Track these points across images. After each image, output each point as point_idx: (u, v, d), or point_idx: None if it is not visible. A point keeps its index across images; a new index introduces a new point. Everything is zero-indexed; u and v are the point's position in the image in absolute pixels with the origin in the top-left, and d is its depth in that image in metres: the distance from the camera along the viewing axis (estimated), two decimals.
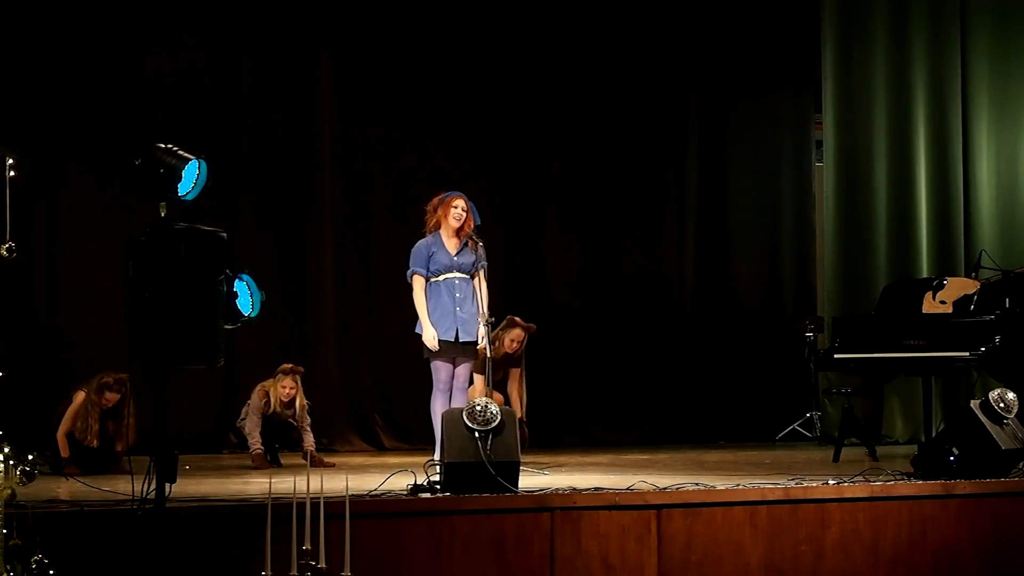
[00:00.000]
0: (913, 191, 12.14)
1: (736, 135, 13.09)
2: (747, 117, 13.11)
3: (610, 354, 12.44)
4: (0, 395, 5.85)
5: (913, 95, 12.19)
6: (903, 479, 7.42)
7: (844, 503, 7.02)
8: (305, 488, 5.44)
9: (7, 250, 6.01)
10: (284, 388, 9.57)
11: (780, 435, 12.21)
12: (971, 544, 7.18)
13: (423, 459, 7.61)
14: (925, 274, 11.65)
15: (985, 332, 8.52)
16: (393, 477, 7.11)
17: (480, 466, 6.66)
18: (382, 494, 6.64)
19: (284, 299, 11.18)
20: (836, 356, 9.23)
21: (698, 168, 12.98)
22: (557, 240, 12.46)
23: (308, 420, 9.69)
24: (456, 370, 8.35)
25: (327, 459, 9.89)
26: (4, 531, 5.19)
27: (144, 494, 5.60)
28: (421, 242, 8.42)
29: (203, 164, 5.74)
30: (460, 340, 8.28)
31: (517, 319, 9.53)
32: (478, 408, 6.82)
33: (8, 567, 5.20)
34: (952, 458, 7.50)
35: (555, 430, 11.72)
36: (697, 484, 7.11)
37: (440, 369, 8.30)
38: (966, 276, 10.22)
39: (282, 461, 9.67)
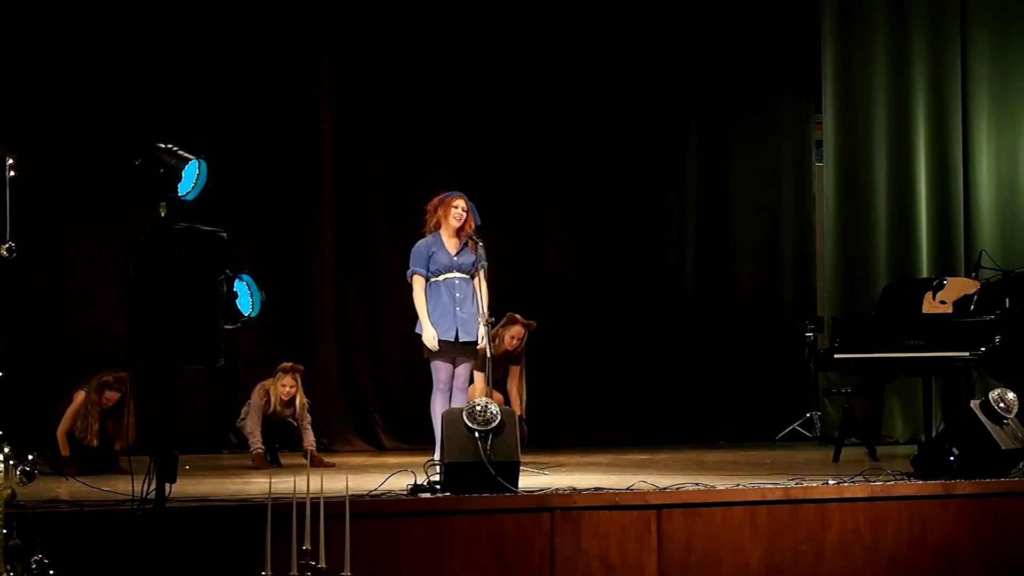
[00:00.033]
0: (913, 191, 12.14)
1: (736, 135, 13.09)
2: (747, 117, 13.11)
3: (610, 354, 12.44)
4: (0, 395, 5.85)
5: (913, 95, 12.19)
6: (903, 479, 7.42)
7: (844, 503, 7.02)
8: (305, 488, 5.44)
9: (7, 250, 6.01)
10: (284, 387, 9.57)
11: (780, 435, 12.20)
12: (971, 544, 7.18)
13: (423, 459, 7.60)
14: (925, 274, 11.64)
15: (985, 332, 8.52)
16: (393, 477, 7.11)
17: (480, 466, 6.66)
18: (382, 494, 6.64)
19: (284, 299, 11.18)
20: (836, 356, 9.23)
21: (698, 168, 12.97)
22: (557, 240, 12.46)
23: (308, 419, 9.69)
24: (456, 370, 8.35)
25: (327, 459, 9.89)
26: (4, 531, 5.19)
27: (144, 494, 5.60)
28: (421, 242, 8.42)
29: (203, 164, 5.74)
30: (460, 340, 8.28)
31: (517, 316, 9.53)
32: (478, 408, 6.82)
33: (8, 567, 5.20)
34: (952, 458, 7.49)
35: (555, 430, 11.72)
36: (697, 484, 7.11)
37: (440, 369, 8.30)
38: (966, 276, 10.21)
39: (282, 461, 9.67)
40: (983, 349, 8.46)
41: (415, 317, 8.33)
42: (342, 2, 11.83)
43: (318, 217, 11.69)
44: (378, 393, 11.77)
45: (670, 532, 6.69)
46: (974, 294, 8.87)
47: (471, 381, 8.63)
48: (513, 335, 9.45)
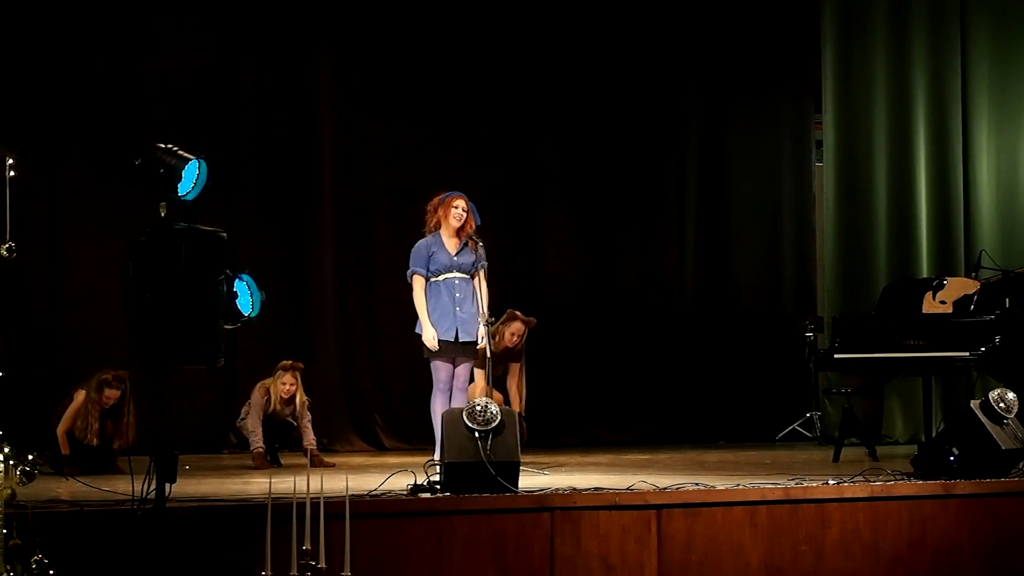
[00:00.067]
0: (913, 191, 12.14)
1: (736, 135, 13.08)
2: (747, 117, 13.10)
3: (610, 354, 12.43)
4: (0, 395, 5.85)
5: (913, 95, 12.19)
6: (903, 479, 7.42)
7: (844, 503, 7.02)
8: (305, 488, 5.44)
9: (7, 250, 6.01)
10: (284, 384, 9.57)
11: (780, 435, 12.21)
12: (971, 544, 7.18)
13: (423, 459, 7.60)
14: (925, 274, 11.64)
15: (985, 332, 8.52)
16: (393, 477, 7.11)
17: (480, 466, 6.66)
18: (382, 494, 6.64)
19: (284, 299, 11.19)
20: (836, 356, 9.23)
21: (698, 168, 12.97)
22: (557, 240, 12.46)
23: (308, 417, 9.68)
24: (456, 370, 8.35)
25: (327, 459, 9.89)
26: (4, 531, 5.19)
27: (144, 494, 5.60)
28: (421, 242, 8.42)
29: (203, 164, 5.74)
30: (460, 340, 8.28)
31: (517, 312, 9.53)
32: (478, 408, 6.82)
33: (8, 567, 5.20)
34: (952, 458, 7.49)
35: (555, 430, 11.72)
36: (697, 484, 7.11)
37: (440, 369, 8.30)
38: (966, 276, 10.21)
39: (282, 461, 9.66)
40: (983, 349, 8.46)
41: (415, 317, 8.33)
42: (342, 2, 11.83)
43: (318, 217, 11.69)
44: (378, 393, 11.77)
45: (670, 532, 6.69)
46: (974, 294, 8.87)
47: (471, 381, 8.63)
48: (513, 332, 9.44)
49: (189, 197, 5.72)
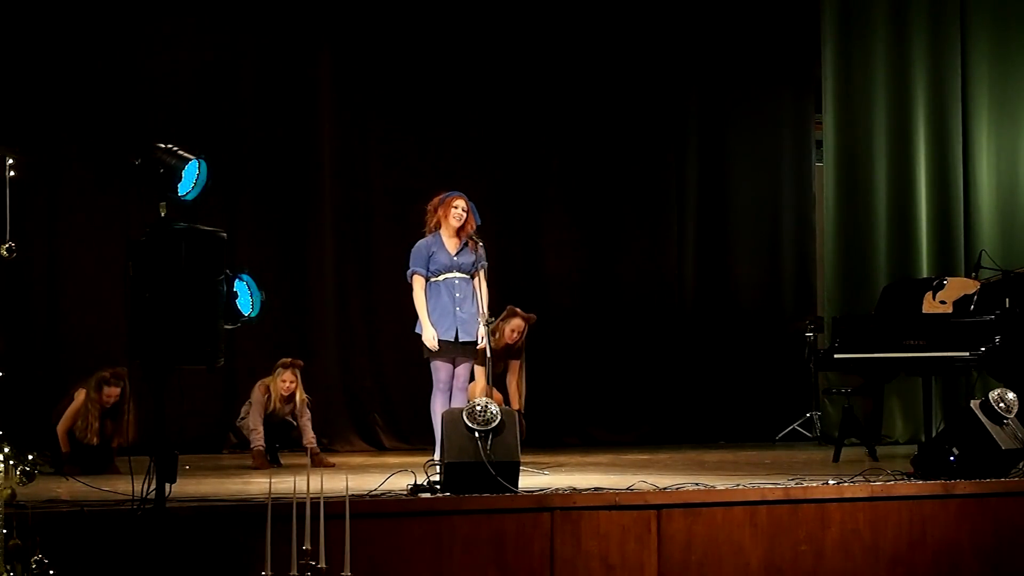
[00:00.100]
0: (913, 191, 12.13)
1: (736, 135, 13.08)
2: (747, 117, 13.10)
3: (610, 354, 12.43)
4: (0, 395, 5.85)
5: (913, 95, 12.19)
6: (903, 479, 7.42)
7: (844, 503, 7.02)
8: (305, 488, 5.44)
9: (7, 250, 6.02)
10: (284, 382, 9.57)
11: (780, 435, 12.20)
12: (971, 544, 7.18)
13: (423, 459, 7.61)
14: (925, 274, 11.64)
15: (985, 332, 8.52)
16: (393, 477, 7.11)
17: (480, 466, 6.66)
18: (382, 494, 6.64)
19: (284, 299, 11.18)
20: (836, 356, 9.23)
21: (698, 168, 12.97)
22: (557, 240, 12.45)
23: (308, 415, 9.67)
24: (456, 370, 8.35)
25: (327, 459, 9.89)
26: (4, 531, 5.19)
27: (144, 494, 5.60)
28: (421, 242, 8.42)
29: (203, 164, 5.75)
30: (460, 340, 8.28)
31: (517, 309, 9.52)
32: (478, 408, 6.82)
33: (8, 567, 5.20)
34: (952, 458, 7.49)
35: (555, 430, 11.72)
36: (697, 484, 7.11)
37: (440, 369, 8.30)
38: (966, 276, 10.21)
39: (282, 461, 9.66)
40: (983, 349, 8.46)
41: (415, 317, 8.33)
42: (342, 2, 11.83)
43: (318, 217, 11.69)
44: (378, 393, 11.76)
45: (670, 532, 6.69)
46: (974, 294, 8.87)
47: (471, 380, 8.63)
48: (513, 328, 9.44)
49: (189, 197, 5.73)
